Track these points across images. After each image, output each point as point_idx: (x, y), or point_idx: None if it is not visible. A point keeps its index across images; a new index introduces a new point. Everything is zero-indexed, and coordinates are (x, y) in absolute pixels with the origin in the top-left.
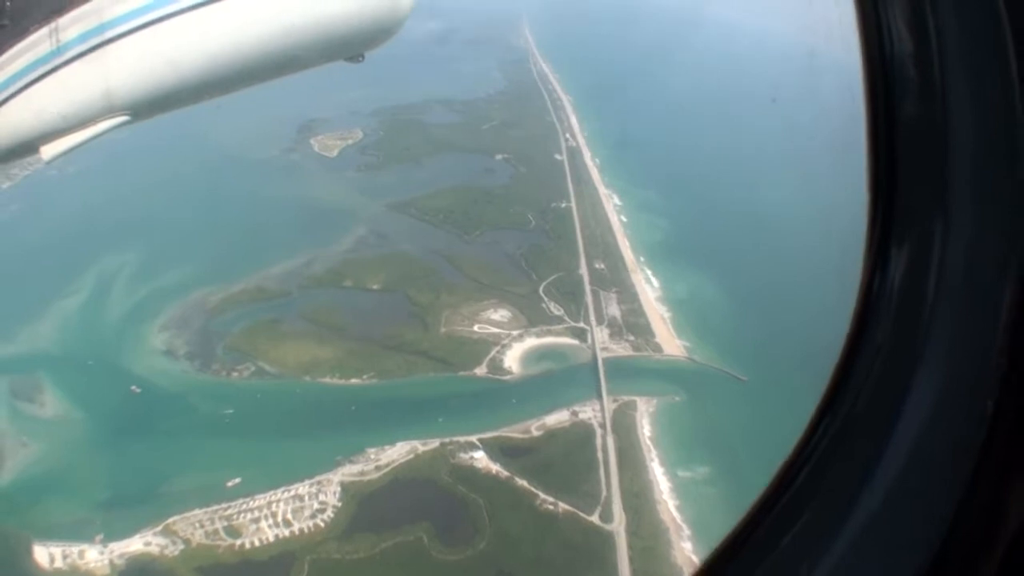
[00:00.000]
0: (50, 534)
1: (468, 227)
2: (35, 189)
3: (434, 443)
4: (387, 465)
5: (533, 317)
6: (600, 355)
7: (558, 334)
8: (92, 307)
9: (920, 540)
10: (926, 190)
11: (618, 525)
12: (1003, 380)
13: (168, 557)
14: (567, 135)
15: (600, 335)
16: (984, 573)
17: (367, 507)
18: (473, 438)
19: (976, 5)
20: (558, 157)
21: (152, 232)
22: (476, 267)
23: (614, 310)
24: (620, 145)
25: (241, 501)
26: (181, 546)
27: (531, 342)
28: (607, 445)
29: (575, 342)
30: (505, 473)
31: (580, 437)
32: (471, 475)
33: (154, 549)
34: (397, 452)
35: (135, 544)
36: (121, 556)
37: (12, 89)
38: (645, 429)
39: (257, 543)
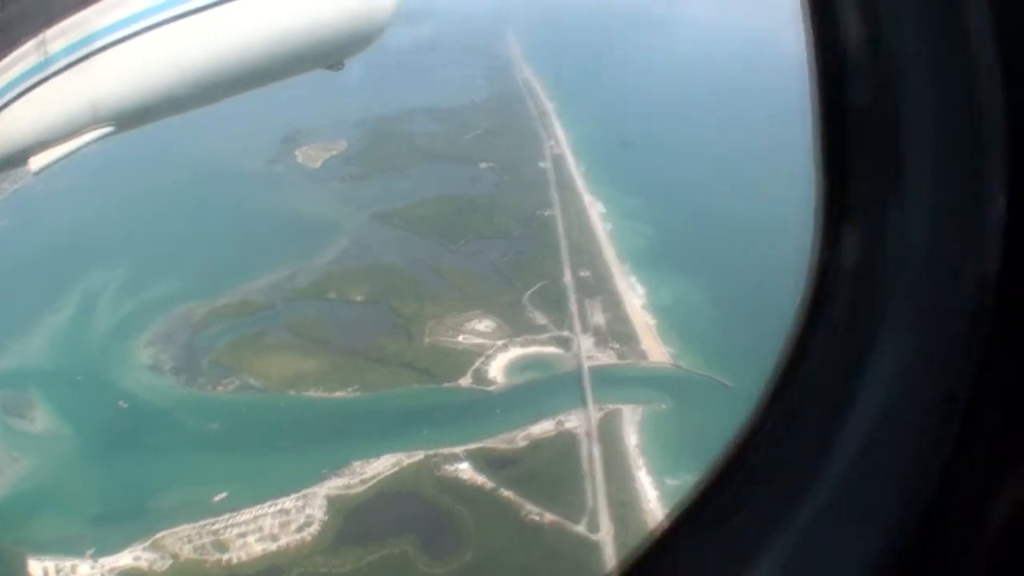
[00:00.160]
0: (44, 549)
1: (452, 236)
2: (24, 204)
3: (419, 455)
4: (372, 478)
5: (517, 326)
6: (585, 364)
7: (543, 343)
8: (80, 322)
9: (878, 520)
10: (879, 170)
11: (605, 535)
12: (963, 361)
13: (157, 572)
14: (552, 142)
15: (585, 344)
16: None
17: (353, 520)
18: (458, 449)
19: None
20: (542, 165)
21: (138, 246)
22: (460, 277)
23: (599, 318)
24: (605, 152)
25: (228, 515)
26: (170, 561)
27: (516, 352)
28: (593, 454)
29: (560, 351)
30: (490, 484)
31: (566, 447)
32: (456, 487)
33: (143, 564)
34: (382, 465)
35: (125, 559)
36: (112, 571)
37: (1, 101)
38: (631, 438)
39: (244, 557)
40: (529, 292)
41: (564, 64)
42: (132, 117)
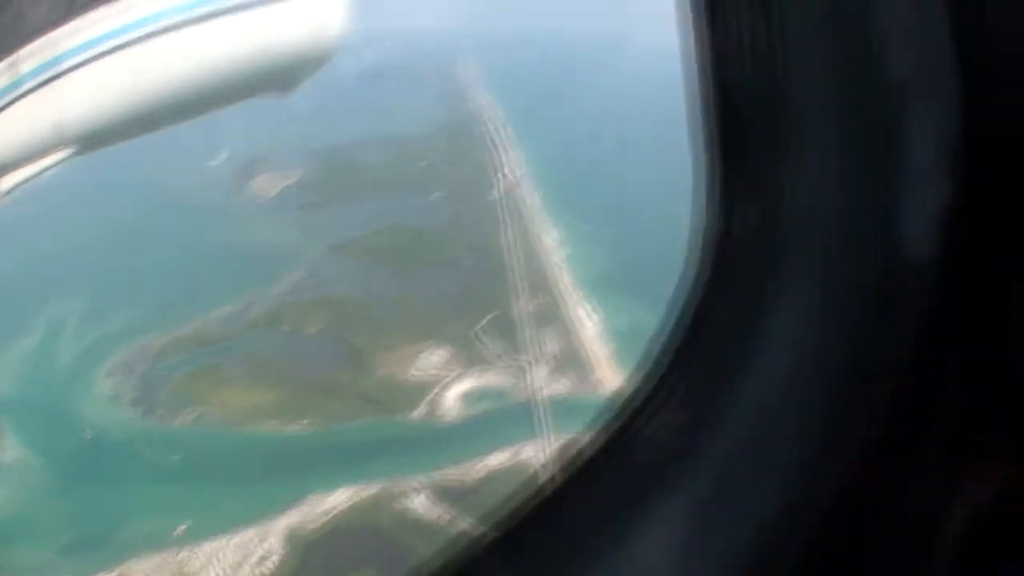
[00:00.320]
0: None
1: (405, 267)
2: None
3: (375, 488)
4: (329, 511)
5: (471, 357)
6: (539, 393)
7: (496, 373)
8: (45, 351)
9: (776, 492)
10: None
11: None
12: (877, 336)
13: None
14: (505, 170)
15: (538, 373)
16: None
17: (311, 554)
18: (414, 481)
19: None
20: (496, 193)
21: (98, 277)
22: (413, 307)
23: (553, 346)
24: (563, 178)
25: (189, 547)
26: None
27: (469, 383)
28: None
29: (514, 380)
30: (447, 515)
31: (522, 477)
32: (413, 519)
33: None
34: (339, 498)
35: None
36: None
37: None
38: None
39: None
40: (482, 322)
41: (521, 90)
42: (94, 139)
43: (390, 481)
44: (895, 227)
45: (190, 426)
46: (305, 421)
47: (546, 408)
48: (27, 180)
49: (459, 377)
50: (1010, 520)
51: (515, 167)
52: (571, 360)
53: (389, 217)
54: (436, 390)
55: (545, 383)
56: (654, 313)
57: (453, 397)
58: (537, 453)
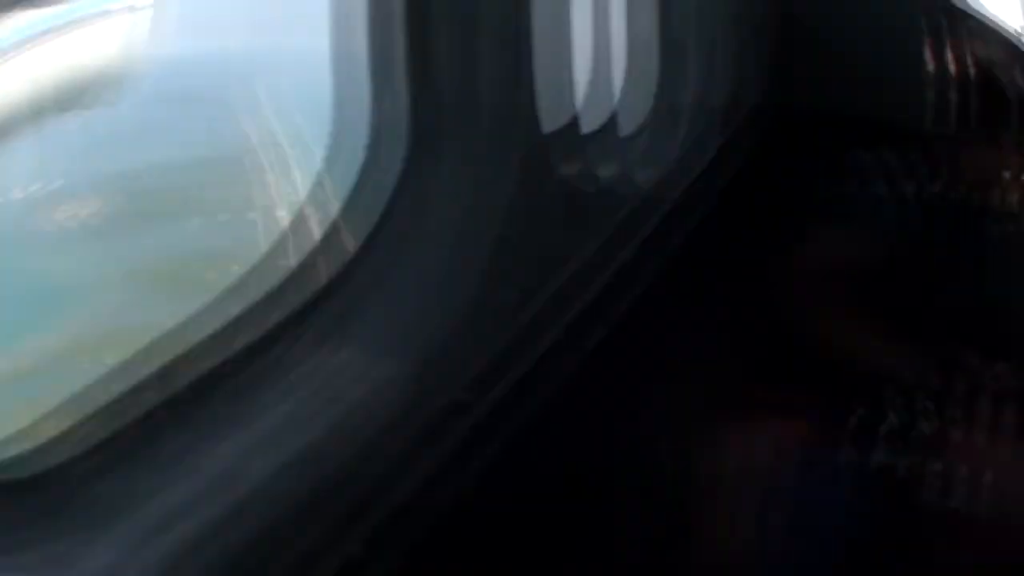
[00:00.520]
0: None
1: (199, 291)
2: None
3: None
4: None
5: None
6: None
7: None
8: None
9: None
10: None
11: None
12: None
13: None
14: (292, 192)
15: None
16: None
17: None
18: None
19: None
20: (252, 215)
21: None
22: None
23: None
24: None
25: None
26: None
27: None
28: None
29: None
30: None
31: None
32: None
33: None
34: None
35: None
36: None
37: None
38: None
39: None
40: None
41: (306, 111)
42: None
43: None
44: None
45: None
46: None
47: None
48: None
49: None
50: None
51: (301, 189)
52: None
53: (187, 242)
54: None
55: None
56: None
57: None
58: None
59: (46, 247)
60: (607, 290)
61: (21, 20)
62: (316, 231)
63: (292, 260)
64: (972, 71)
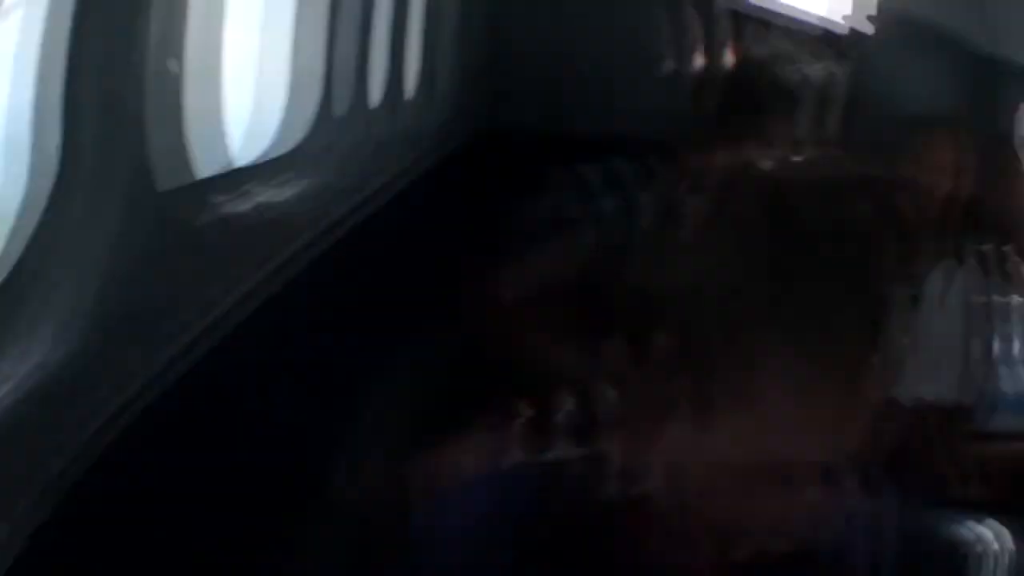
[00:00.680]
0: None
1: None
2: None
3: None
4: None
5: None
6: None
7: None
8: None
9: None
10: None
11: None
12: None
13: None
14: None
15: None
16: None
17: None
18: None
19: None
20: None
21: None
22: None
23: None
24: None
25: None
26: None
27: None
28: None
29: None
30: None
31: None
32: None
33: None
34: None
35: None
36: None
37: None
38: None
39: None
40: None
41: None
42: None
43: None
44: None
45: None
46: None
47: None
48: None
49: None
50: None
51: None
52: None
53: None
54: None
55: None
56: None
57: None
58: None
59: None
60: (265, 319)
61: None
62: None
63: None
64: (734, 70)
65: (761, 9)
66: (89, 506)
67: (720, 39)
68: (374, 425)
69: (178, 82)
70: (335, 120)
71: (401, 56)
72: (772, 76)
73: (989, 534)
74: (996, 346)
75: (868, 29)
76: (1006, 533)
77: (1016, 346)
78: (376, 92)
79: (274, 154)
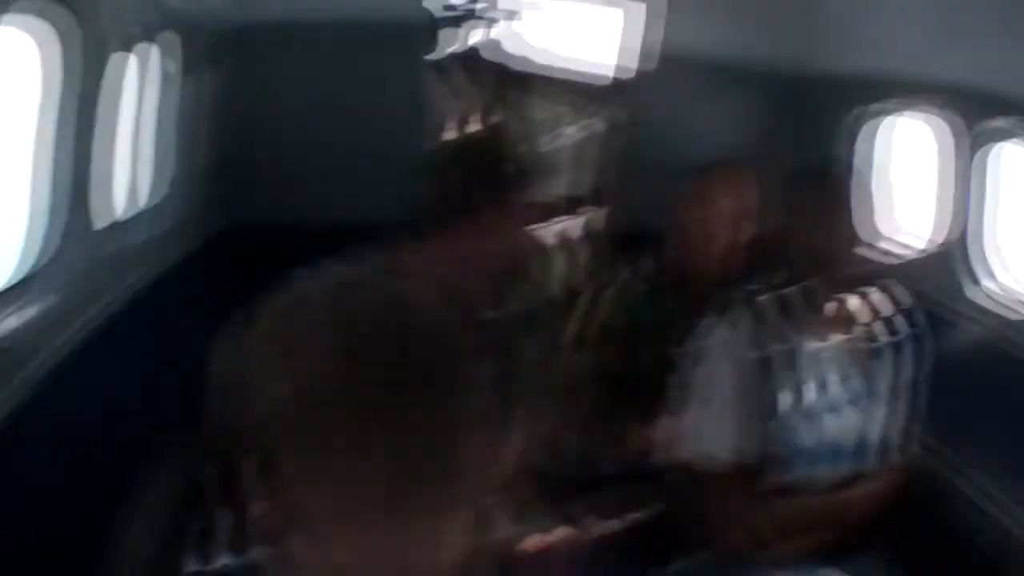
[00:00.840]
0: None
1: None
2: None
3: None
4: None
5: None
6: None
7: None
8: None
9: None
10: None
11: None
12: None
13: None
14: None
15: None
16: None
17: None
18: None
19: None
20: None
21: None
22: None
23: None
24: None
25: None
26: None
27: None
28: None
29: None
30: None
31: None
32: None
33: None
34: None
35: None
36: None
37: None
38: None
39: None
40: None
41: None
42: None
43: None
44: None
45: None
46: None
47: None
48: None
49: None
50: None
51: None
52: None
53: None
54: None
55: None
56: None
57: None
58: None
59: None
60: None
61: None
62: None
63: None
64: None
65: (521, 77)
66: None
67: (467, 115)
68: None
69: None
70: (74, 237)
71: (136, 168)
72: (525, 146)
73: None
74: (793, 395)
75: (644, 78)
76: None
77: (819, 392)
78: (116, 205)
79: (15, 279)
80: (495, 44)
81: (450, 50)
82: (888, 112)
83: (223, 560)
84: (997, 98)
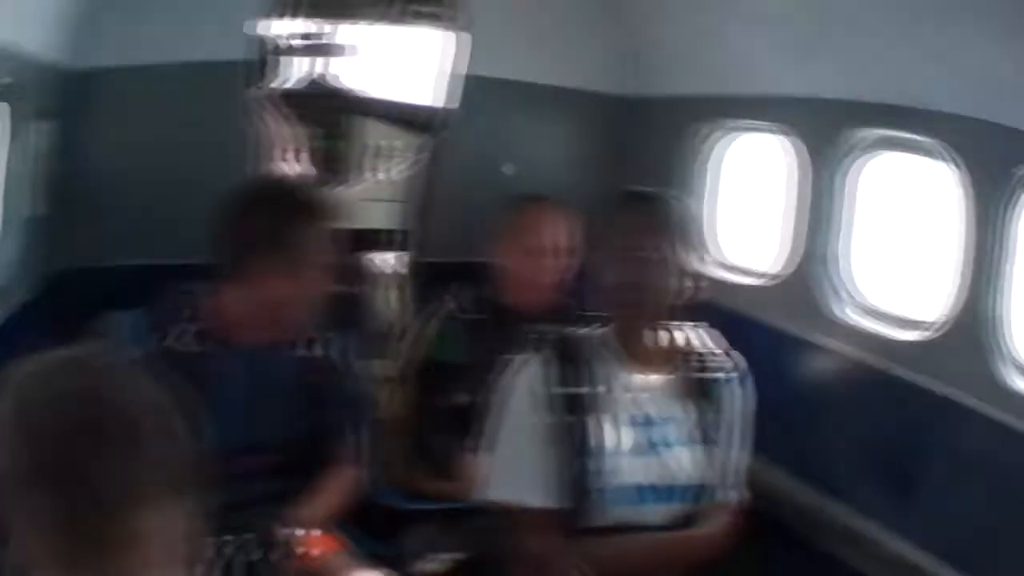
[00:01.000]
0: None
1: None
2: None
3: None
4: None
5: None
6: None
7: None
8: None
9: None
10: None
11: None
12: None
13: None
14: None
15: None
16: None
17: None
18: None
19: None
20: None
21: None
22: None
23: None
24: None
25: None
26: None
27: None
28: None
29: None
30: None
31: None
32: None
33: None
34: None
35: None
36: None
37: None
38: None
39: None
40: None
41: None
42: None
43: None
44: None
45: None
46: None
47: None
48: None
49: None
50: None
51: None
52: None
53: None
54: None
55: None
56: None
57: None
58: None
59: None
60: None
61: None
62: None
63: None
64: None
65: (351, 109)
66: None
67: (290, 150)
68: None
69: None
70: None
71: None
72: (341, 180)
73: None
74: (608, 435)
75: (469, 107)
76: None
77: (636, 432)
78: None
79: None
80: (326, 77)
81: (279, 84)
82: (734, 132)
83: None
84: (849, 114)
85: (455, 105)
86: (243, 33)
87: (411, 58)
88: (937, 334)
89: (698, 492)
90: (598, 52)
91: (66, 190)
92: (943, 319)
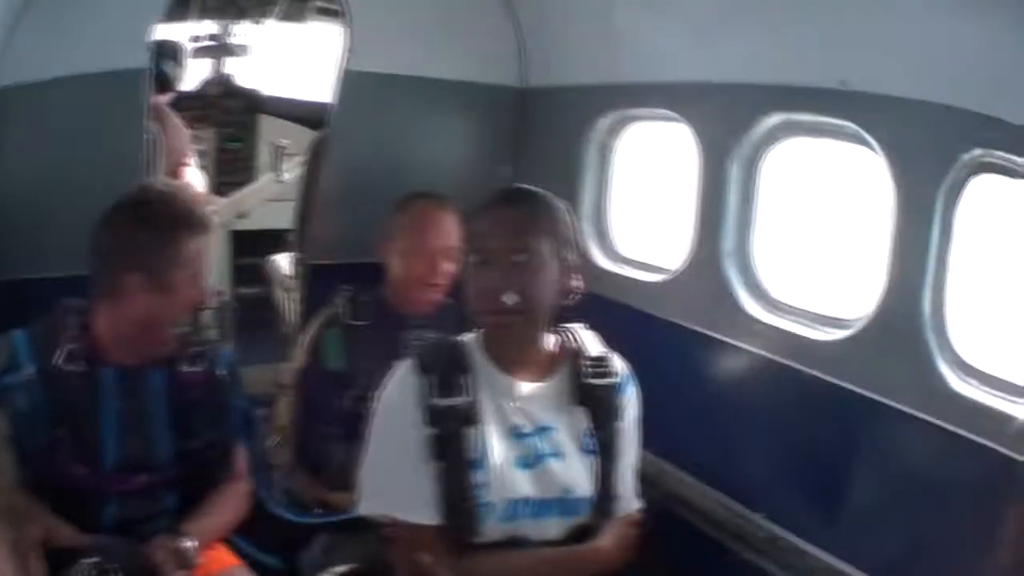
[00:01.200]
0: None
1: None
2: None
3: None
4: None
5: None
6: None
7: None
8: None
9: None
10: None
11: None
12: None
13: None
14: None
15: None
16: None
17: None
18: None
19: None
20: None
21: None
22: None
23: None
24: None
25: None
26: None
27: None
28: None
29: None
30: None
31: None
32: None
33: None
34: None
35: None
36: None
37: None
38: None
39: None
40: None
41: None
42: None
43: None
44: None
45: None
46: None
47: None
48: None
49: None
50: None
51: None
52: None
53: None
54: None
55: None
56: None
57: None
58: None
59: None
60: None
61: None
62: None
63: None
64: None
65: (250, 109)
66: None
67: (185, 156)
68: None
69: None
70: None
71: None
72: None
73: None
74: (487, 446)
75: (358, 104)
76: None
77: (517, 443)
78: None
79: None
80: (228, 78)
81: (182, 87)
82: (634, 121)
83: None
84: (748, 99)
85: (339, 101)
86: (143, 40)
87: (310, 55)
88: (860, 331)
89: (593, 503)
90: (490, 44)
91: None
92: (869, 315)
